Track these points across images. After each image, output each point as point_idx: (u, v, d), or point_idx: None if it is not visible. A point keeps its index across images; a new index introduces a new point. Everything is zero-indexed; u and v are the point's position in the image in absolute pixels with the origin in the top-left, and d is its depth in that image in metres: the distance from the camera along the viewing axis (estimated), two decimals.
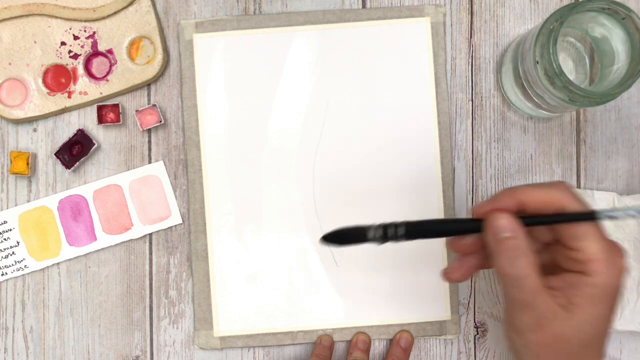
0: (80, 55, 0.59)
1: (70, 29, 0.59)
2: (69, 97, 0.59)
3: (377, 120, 0.60)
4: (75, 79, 0.59)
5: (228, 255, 0.60)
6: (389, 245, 0.60)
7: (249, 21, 0.60)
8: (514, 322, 0.43)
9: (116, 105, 0.59)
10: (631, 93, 0.61)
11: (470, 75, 0.61)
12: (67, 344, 0.60)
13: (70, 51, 0.59)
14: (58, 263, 0.60)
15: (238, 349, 0.60)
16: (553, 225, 0.42)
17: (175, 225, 0.60)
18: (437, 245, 0.59)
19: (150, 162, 0.60)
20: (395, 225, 0.44)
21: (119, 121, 0.59)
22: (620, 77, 0.51)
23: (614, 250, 0.41)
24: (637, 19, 0.50)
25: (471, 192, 0.61)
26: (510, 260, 0.41)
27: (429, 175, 0.60)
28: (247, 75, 0.60)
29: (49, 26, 0.59)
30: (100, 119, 0.59)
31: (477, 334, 0.61)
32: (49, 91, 0.59)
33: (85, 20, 0.59)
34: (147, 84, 0.60)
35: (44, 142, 0.60)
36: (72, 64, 0.59)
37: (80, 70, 0.59)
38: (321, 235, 0.47)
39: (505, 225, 0.41)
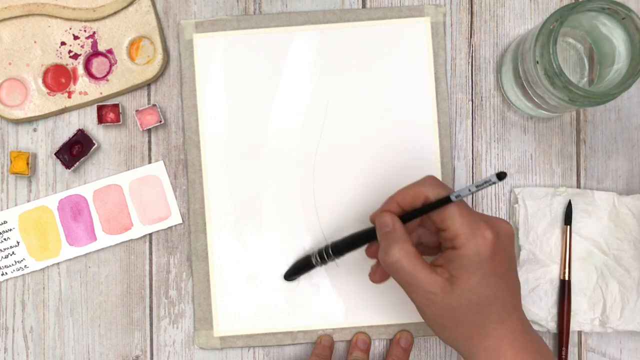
0: (80, 55, 0.59)
1: (70, 29, 0.59)
2: (69, 97, 0.59)
3: (377, 120, 0.60)
4: (75, 79, 0.59)
5: (228, 255, 0.60)
6: None
7: (249, 21, 0.60)
8: (414, 303, 0.49)
9: (116, 105, 0.59)
10: (631, 93, 0.61)
11: (470, 75, 0.61)
12: (67, 344, 0.60)
13: (70, 51, 0.59)
14: (58, 263, 0.60)
15: (238, 349, 0.60)
16: (425, 214, 0.48)
17: (175, 225, 0.60)
18: None
19: (150, 162, 0.60)
20: (325, 248, 0.55)
21: (119, 121, 0.59)
22: (620, 77, 0.51)
23: (477, 223, 0.47)
24: (637, 19, 0.50)
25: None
26: (386, 249, 0.48)
27: None
28: (247, 75, 0.60)
29: (49, 26, 0.59)
30: (100, 119, 0.59)
31: None
32: (49, 91, 0.59)
33: (85, 20, 0.59)
34: (147, 84, 0.60)
35: (44, 142, 0.60)
36: (72, 64, 0.59)
37: (80, 70, 0.59)
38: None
39: (386, 222, 0.49)
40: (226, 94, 0.60)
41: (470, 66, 0.61)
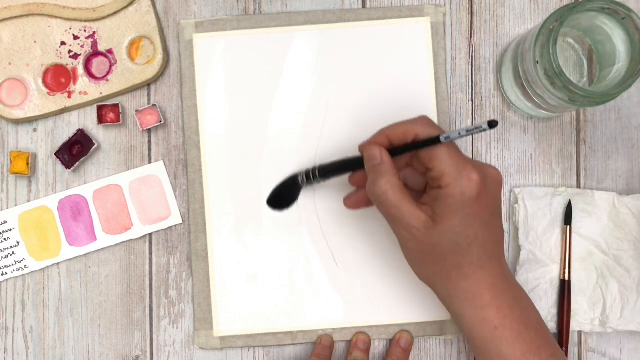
0: (80, 55, 0.59)
1: (70, 29, 0.59)
2: (69, 97, 0.59)
3: (377, 120, 0.60)
4: (75, 79, 0.59)
5: (228, 255, 0.60)
6: (389, 245, 0.60)
7: (249, 21, 0.60)
8: (397, 237, 0.50)
9: (116, 105, 0.59)
10: (631, 93, 0.61)
11: (470, 75, 0.61)
12: (67, 344, 0.60)
13: (70, 51, 0.59)
14: (58, 263, 0.60)
15: (238, 349, 0.60)
16: (413, 151, 0.50)
17: (175, 225, 0.60)
18: None
19: (150, 162, 0.60)
20: (313, 169, 0.55)
21: (119, 121, 0.59)
22: (620, 77, 0.51)
23: (465, 165, 0.47)
24: (637, 19, 0.50)
25: None
26: (373, 180, 0.49)
27: None
28: (247, 75, 0.60)
29: (49, 26, 0.59)
30: (100, 119, 0.59)
31: None
32: (49, 91, 0.59)
33: (85, 20, 0.59)
34: (147, 84, 0.60)
35: (44, 142, 0.60)
36: (72, 64, 0.59)
37: (80, 70, 0.59)
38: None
39: (374, 154, 0.50)
40: (226, 94, 0.60)
41: (470, 66, 0.61)
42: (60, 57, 0.59)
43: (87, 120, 0.60)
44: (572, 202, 0.59)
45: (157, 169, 0.60)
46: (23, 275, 0.60)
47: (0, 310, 0.60)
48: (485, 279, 0.49)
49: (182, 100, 0.60)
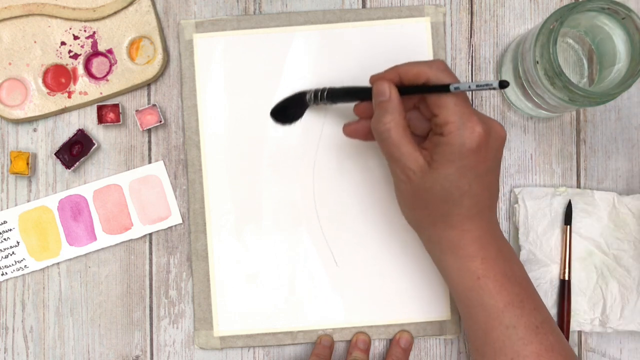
0: (80, 55, 0.59)
1: (70, 28, 0.59)
2: (69, 97, 0.59)
3: None
4: (75, 79, 0.59)
5: (228, 255, 0.60)
6: (389, 245, 0.60)
7: (249, 21, 0.60)
8: (393, 177, 0.51)
9: (116, 105, 0.59)
10: (631, 93, 0.61)
11: (470, 75, 0.61)
12: (67, 344, 0.60)
13: (70, 51, 0.59)
14: (58, 263, 0.60)
15: (238, 349, 0.60)
16: (422, 94, 0.50)
17: (175, 225, 0.60)
18: None
19: (150, 162, 0.60)
20: (322, 90, 0.56)
21: (119, 121, 0.59)
22: (620, 77, 0.51)
23: (470, 116, 0.47)
24: (637, 18, 0.50)
25: None
26: (379, 116, 0.49)
27: None
28: (247, 75, 0.60)
29: (49, 26, 0.59)
30: (100, 119, 0.59)
31: None
32: (49, 91, 0.59)
33: (85, 20, 0.59)
34: (147, 84, 0.60)
35: (44, 142, 0.60)
36: (72, 64, 0.59)
37: (80, 70, 0.59)
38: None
39: (383, 90, 0.49)
40: (226, 94, 0.60)
41: (470, 66, 0.61)
42: (60, 57, 0.59)
43: (87, 120, 0.60)
44: (572, 202, 0.59)
45: (157, 169, 0.60)
46: (23, 275, 0.60)
47: (0, 310, 0.60)
48: (471, 230, 0.49)
49: (182, 100, 0.60)
